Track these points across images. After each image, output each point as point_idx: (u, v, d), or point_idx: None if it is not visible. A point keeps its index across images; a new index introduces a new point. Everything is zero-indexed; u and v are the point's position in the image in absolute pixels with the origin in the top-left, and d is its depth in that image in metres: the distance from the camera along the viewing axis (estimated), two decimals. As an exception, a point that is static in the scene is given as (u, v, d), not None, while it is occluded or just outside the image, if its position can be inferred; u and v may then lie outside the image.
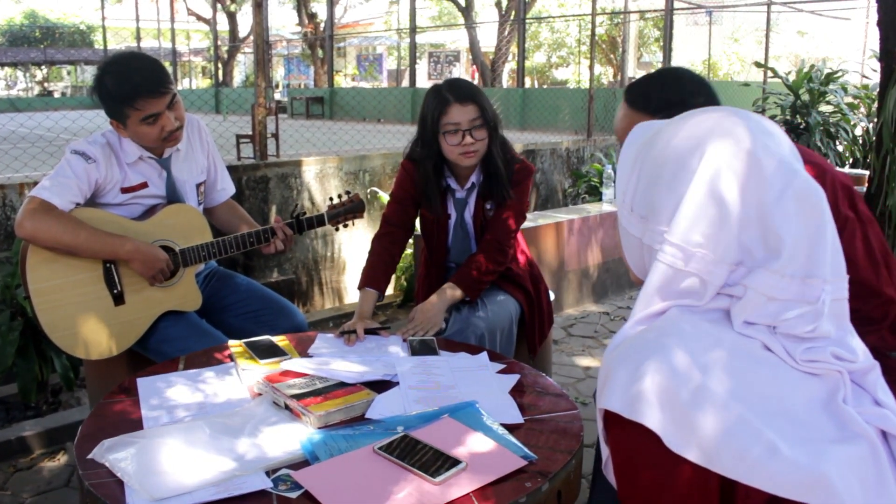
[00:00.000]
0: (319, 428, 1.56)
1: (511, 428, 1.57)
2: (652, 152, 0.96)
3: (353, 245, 4.97)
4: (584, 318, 4.66)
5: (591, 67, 7.42)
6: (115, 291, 2.23)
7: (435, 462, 1.38)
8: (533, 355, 2.59)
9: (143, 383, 1.80)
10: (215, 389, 1.78)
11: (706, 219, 0.88)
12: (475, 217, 2.48)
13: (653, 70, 2.02)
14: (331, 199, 2.63)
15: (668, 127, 0.97)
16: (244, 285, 2.56)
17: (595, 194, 6.23)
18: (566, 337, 4.31)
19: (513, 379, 1.83)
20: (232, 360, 1.96)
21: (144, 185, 2.33)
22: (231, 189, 2.67)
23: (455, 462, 1.38)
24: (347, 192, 2.64)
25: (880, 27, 3.59)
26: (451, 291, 2.32)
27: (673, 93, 1.66)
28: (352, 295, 5.05)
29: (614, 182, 5.59)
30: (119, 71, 2.20)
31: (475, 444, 1.47)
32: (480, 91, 2.36)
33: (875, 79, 9.56)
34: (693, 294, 0.91)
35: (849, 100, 8.06)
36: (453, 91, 2.31)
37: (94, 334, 2.20)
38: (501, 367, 1.92)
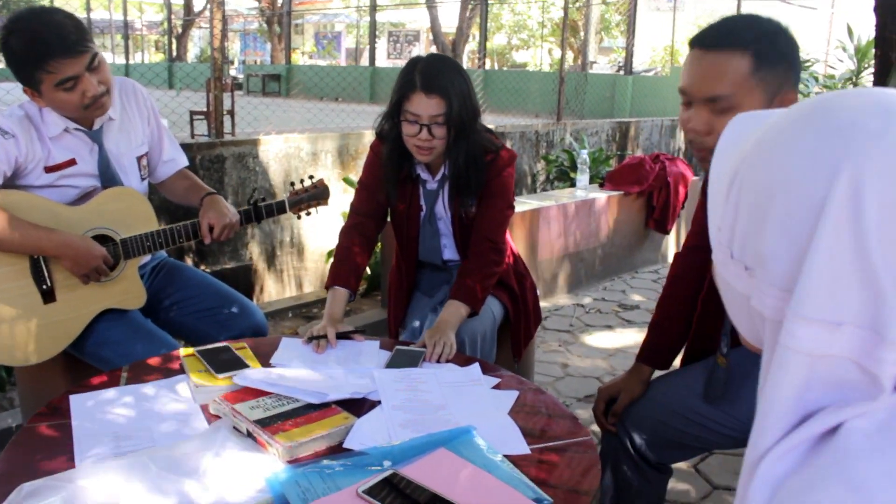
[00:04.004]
0: (288, 462, 1.31)
1: (516, 460, 1.34)
2: (755, 172, 0.62)
3: (316, 229, 4.69)
4: (558, 311, 4.46)
5: (562, 48, 7.19)
6: (45, 287, 1.92)
7: (433, 511, 1.14)
8: (518, 360, 2.36)
9: (77, 402, 1.52)
10: (163, 409, 1.51)
11: (853, 279, 0.56)
12: (453, 215, 2.21)
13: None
14: (292, 183, 2.34)
15: (778, 127, 0.62)
16: (196, 279, 2.27)
17: (565, 179, 6.01)
18: (541, 331, 4.09)
19: (511, 396, 1.60)
20: (183, 370, 1.69)
21: (72, 163, 2.01)
22: (182, 160, 2.35)
23: (457, 511, 1.14)
24: (311, 177, 2.36)
25: (877, 13, 3.42)
26: (456, 308, 2.03)
27: (760, 26, 1.41)
28: (313, 283, 4.77)
29: (589, 168, 5.36)
30: (26, 28, 1.86)
31: (478, 483, 1.24)
32: (458, 78, 2.02)
33: (841, 69, 9.63)
34: (858, 391, 0.58)
35: (817, 89, 8.03)
36: (424, 76, 1.98)
37: (18, 337, 1.89)
38: (496, 381, 1.69)
